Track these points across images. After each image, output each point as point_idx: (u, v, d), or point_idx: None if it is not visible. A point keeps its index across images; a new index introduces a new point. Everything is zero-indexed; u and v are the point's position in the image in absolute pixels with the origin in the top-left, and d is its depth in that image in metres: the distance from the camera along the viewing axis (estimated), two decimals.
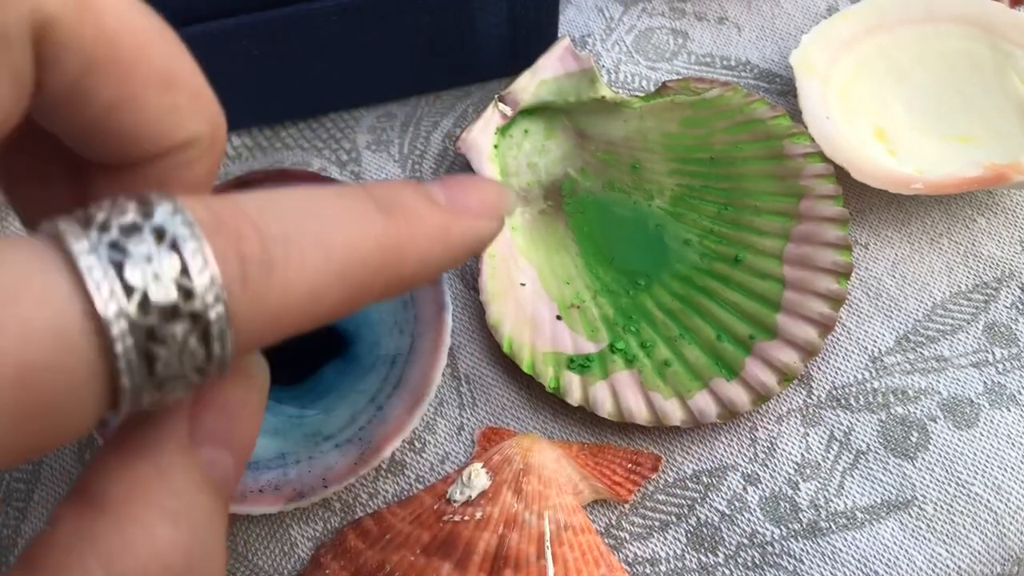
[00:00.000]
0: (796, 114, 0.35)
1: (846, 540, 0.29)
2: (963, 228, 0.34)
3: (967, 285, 0.33)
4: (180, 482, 0.17)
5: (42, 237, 0.14)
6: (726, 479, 0.30)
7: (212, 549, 0.16)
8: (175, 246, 0.14)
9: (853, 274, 0.33)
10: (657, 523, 0.30)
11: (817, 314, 0.31)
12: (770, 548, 0.29)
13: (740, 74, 0.38)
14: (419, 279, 0.18)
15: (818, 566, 0.29)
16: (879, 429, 0.31)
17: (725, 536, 0.30)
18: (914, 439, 0.31)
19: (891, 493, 0.30)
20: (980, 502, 0.29)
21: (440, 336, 0.30)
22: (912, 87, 0.36)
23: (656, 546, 0.30)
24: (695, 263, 0.33)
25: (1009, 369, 0.31)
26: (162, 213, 0.14)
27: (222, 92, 0.36)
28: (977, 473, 0.30)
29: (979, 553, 0.29)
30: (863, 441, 0.31)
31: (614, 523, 0.30)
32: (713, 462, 0.31)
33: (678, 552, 0.30)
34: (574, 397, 0.31)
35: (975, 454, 0.30)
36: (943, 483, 0.30)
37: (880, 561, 0.29)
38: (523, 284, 0.33)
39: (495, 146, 0.35)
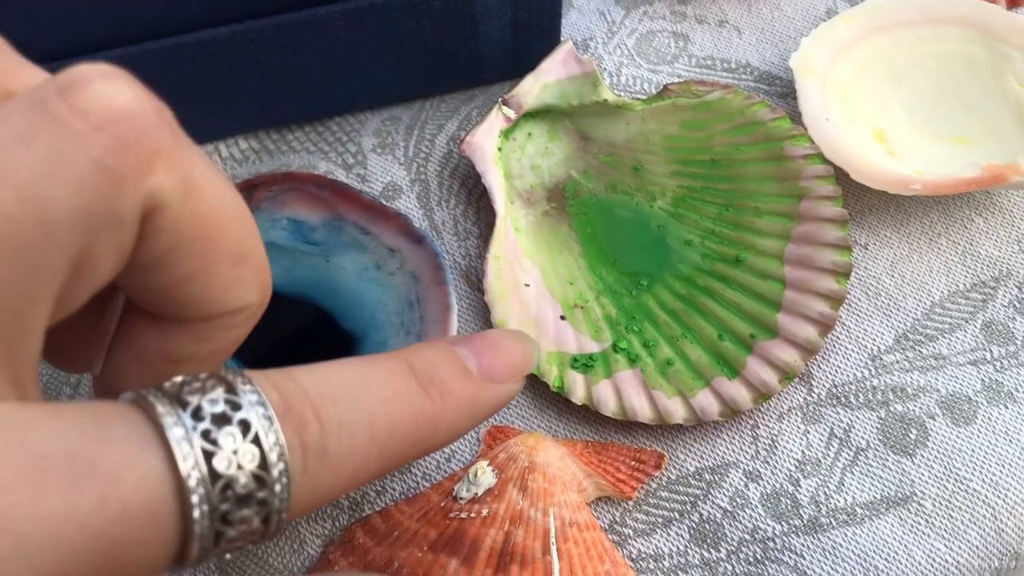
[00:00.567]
0: (796, 116, 0.35)
1: (846, 536, 0.30)
2: (961, 228, 0.35)
3: (965, 284, 0.34)
4: None
5: (137, 410, 0.16)
6: (728, 476, 0.31)
7: None
8: (256, 440, 0.16)
9: (852, 274, 0.34)
10: (660, 519, 0.31)
11: (817, 313, 0.31)
12: (771, 544, 0.30)
13: (740, 76, 0.38)
14: (445, 445, 0.20)
15: (819, 561, 0.29)
16: (878, 426, 0.31)
17: (727, 532, 0.30)
18: (913, 436, 0.31)
19: (891, 489, 0.30)
20: (978, 498, 0.30)
21: (446, 337, 0.31)
22: (911, 89, 0.37)
23: (659, 542, 0.30)
24: (697, 263, 0.34)
25: (1007, 367, 0.32)
26: (247, 406, 0.16)
27: (230, 95, 0.37)
28: (975, 469, 0.30)
29: (977, 548, 0.29)
30: (863, 438, 0.31)
31: (618, 520, 0.31)
32: (715, 459, 0.31)
33: (681, 548, 0.30)
34: (578, 396, 0.32)
35: (973, 451, 0.31)
36: (942, 479, 0.30)
37: (880, 556, 0.29)
38: (527, 285, 0.34)
39: (499, 149, 0.35)
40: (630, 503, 0.31)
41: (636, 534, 0.30)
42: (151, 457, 0.15)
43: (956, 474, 0.30)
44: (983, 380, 0.32)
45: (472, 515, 0.29)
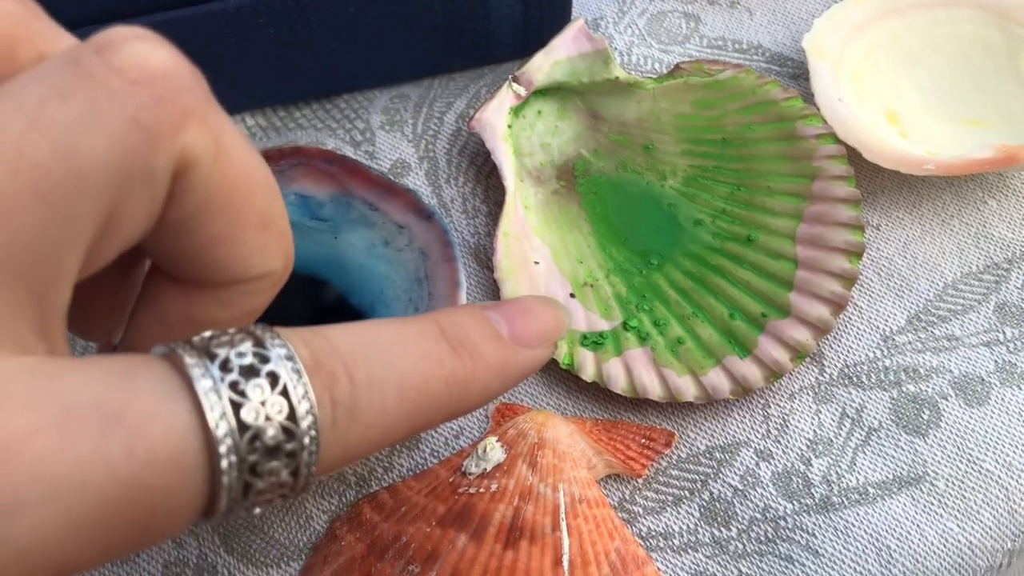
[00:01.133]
0: (808, 97, 0.35)
1: (858, 515, 0.29)
2: (974, 210, 0.34)
3: (978, 266, 0.33)
4: None
5: (165, 363, 0.16)
6: (739, 455, 0.31)
7: None
8: (285, 392, 0.16)
9: (864, 254, 0.33)
10: (670, 498, 0.30)
11: (829, 293, 0.31)
12: (783, 523, 0.29)
13: (752, 57, 0.38)
14: (476, 407, 0.20)
15: (831, 540, 0.29)
16: (891, 406, 0.31)
17: (738, 511, 0.30)
18: (926, 416, 0.31)
19: (903, 469, 0.30)
20: (991, 478, 0.30)
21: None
22: (924, 71, 0.36)
23: (669, 520, 0.30)
24: (708, 243, 0.34)
25: (1020, 348, 0.32)
26: (276, 359, 0.16)
27: (238, 70, 0.36)
28: (988, 450, 0.30)
29: (990, 528, 0.29)
30: (875, 418, 0.31)
31: (627, 497, 0.30)
32: (726, 438, 0.31)
33: (691, 526, 0.30)
34: (588, 373, 0.31)
35: (986, 431, 0.30)
36: (954, 460, 0.30)
37: (892, 535, 0.29)
38: (537, 262, 0.34)
39: (508, 126, 0.35)
40: (639, 481, 0.31)
41: (646, 512, 0.30)
42: (178, 407, 0.15)
43: (969, 454, 0.30)
44: (996, 361, 0.31)
45: (481, 490, 0.29)
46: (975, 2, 0.36)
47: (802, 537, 0.29)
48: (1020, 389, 0.31)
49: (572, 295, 0.33)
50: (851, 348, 0.32)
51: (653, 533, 0.30)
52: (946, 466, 0.30)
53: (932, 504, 0.29)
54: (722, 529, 0.30)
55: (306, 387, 0.16)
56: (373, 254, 0.34)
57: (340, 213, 0.34)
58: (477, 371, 0.19)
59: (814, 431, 0.31)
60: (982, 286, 0.33)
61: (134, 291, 0.21)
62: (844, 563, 0.29)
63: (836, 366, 0.32)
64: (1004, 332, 0.32)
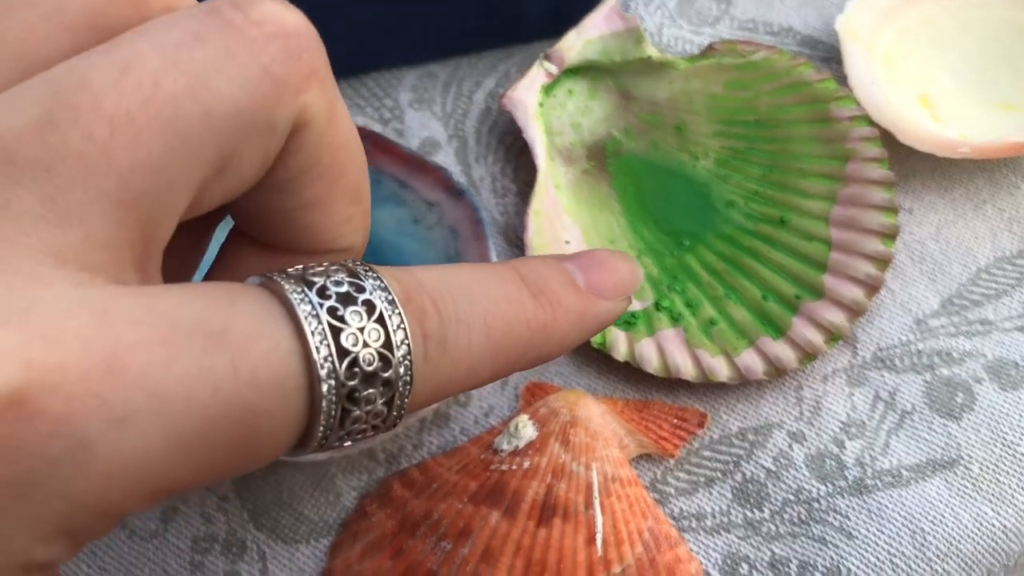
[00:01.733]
0: (840, 80, 0.35)
1: (892, 498, 0.29)
2: (1007, 194, 0.34)
3: (1011, 251, 0.33)
4: None
5: (263, 289, 0.16)
6: (772, 437, 0.30)
7: None
8: (380, 319, 0.16)
9: (897, 238, 0.33)
10: (703, 479, 0.30)
11: (864, 275, 0.31)
12: (816, 505, 0.29)
13: (783, 40, 0.38)
14: (555, 356, 0.20)
15: (864, 523, 0.29)
16: (924, 390, 0.31)
17: (771, 492, 0.30)
18: (959, 400, 0.31)
19: (937, 452, 0.30)
20: None
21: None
22: (957, 55, 0.36)
23: (702, 501, 0.30)
24: (740, 224, 0.33)
25: None
26: (371, 289, 0.17)
27: None
28: (1023, 434, 0.30)
29: None
30: (908, 401, 0.31)
31: (659, 478, 0.30)
32: (759, 420, 0.31)
33: (724, 507, 0.30)
34: (620, 353, 0.31)
35: (1021, 416, 0.30)
36: (989, 444, 0.30)
37: (926, 519, 0.29)
38: (568, 242, 0.33)
39: (539, 104, 0.35)
40: (671, 462, 0.30)
41: (678, 492, 0.30)
42: (280, 329, 0.15)
43: (1004, 438, 0.30)
44: None
45: (513, 467, 0.29)
46: None
47: (835, 519, 0.29)
48: None
49: None
50: (884, 331, 0.32)
51: (685, 514, 0.30)
52: (980, 450, 0.30)
53: (966, 488, 0.29)
54: (755, 511, 0.29)
55: (401, 317, 0.17)
56: (403, 232, 0.34)
57: (370, 190, 0.34)
58: (557, 318, 0.19)
59: (847, 414, 0.31)
60: (1016, 270, 0.33)
61: (199, 259, 0.21)
62: (878, 545, 0.29)
63: (869, 349, 0.32)
64: None
